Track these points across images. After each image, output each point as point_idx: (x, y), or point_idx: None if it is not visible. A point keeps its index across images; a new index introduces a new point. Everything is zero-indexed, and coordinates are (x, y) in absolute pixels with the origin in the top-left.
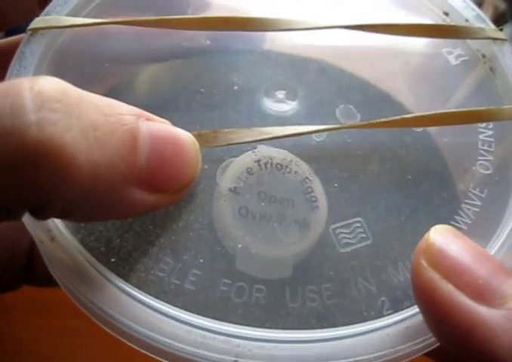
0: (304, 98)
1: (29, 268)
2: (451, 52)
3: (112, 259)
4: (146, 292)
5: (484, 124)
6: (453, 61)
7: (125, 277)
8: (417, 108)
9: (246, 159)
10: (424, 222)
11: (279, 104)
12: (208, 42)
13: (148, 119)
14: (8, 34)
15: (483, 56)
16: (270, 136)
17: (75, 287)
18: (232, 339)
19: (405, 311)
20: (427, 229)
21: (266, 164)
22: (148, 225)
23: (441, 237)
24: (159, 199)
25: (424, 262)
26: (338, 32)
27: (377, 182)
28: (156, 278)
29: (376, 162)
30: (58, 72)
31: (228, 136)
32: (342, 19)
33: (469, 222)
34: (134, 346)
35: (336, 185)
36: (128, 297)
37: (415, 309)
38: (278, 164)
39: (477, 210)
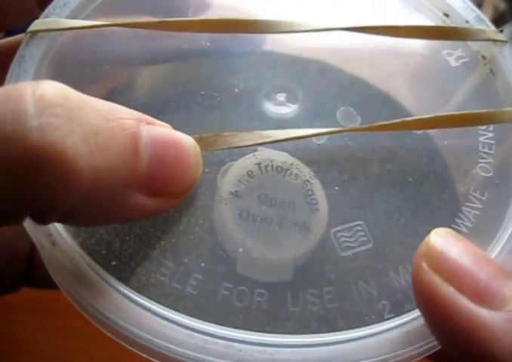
0: (305, 100)
1: (29, 271)
2: (452, 54)
3: (113, 263)
4: (147, 297)
5: (484, 127)
6: (453, 63)
7: (126, 281)
8: (417, 110)
9: (247, 162)
10: (425, 225)
11: (280, 107)
12: (208, 44)
13: (149, 123)
14: (7, 34)
15: (483, 57)
16: (271, 139)
17: (76, 291)
18: (233, 344)
19: (407, 314)
20: (428, 232)
21: (266, 166)
22: (148, 228)
23: (442, 240)
24: (160, 203)
25: (424, 265)
26: (338, 34)
27: (377, 184)
28: (157, 282)
29: (377, 165)
30: (58, 74)
31: (229, 140)
32: (342, 20)
33: (469, 225)
34: (135, 350)
35: (337, 188)
36: (128, 301)
37: (416, 313)
38: (278, 166)
39: (478, 212)
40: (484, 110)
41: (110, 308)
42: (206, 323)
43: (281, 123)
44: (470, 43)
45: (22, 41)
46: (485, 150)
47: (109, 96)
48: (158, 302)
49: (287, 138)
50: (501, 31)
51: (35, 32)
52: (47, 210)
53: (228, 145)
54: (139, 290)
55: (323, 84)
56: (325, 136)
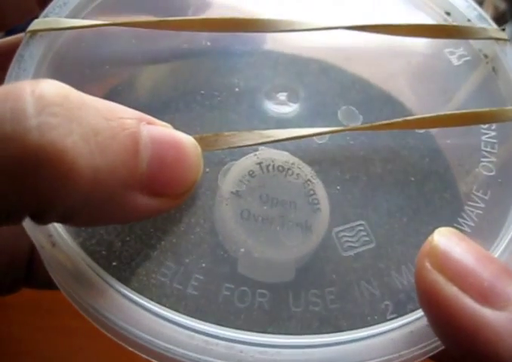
0: (306, 99)
1: (29, 272)
2: (454, 52)
3: (114, 263)
4: (147, 297)
5: (487, 125)
6: (455, 61)
7: (127, 282)
8: (419, 108)
9: (248, 162)
10: (427, 224)
11: (281, 106)
12: (209, 43)
13: (149, 123)
14: (7, 34)
15: (485, 56)
16: (272, 139)
17: (76, 292)
18: (235, 345)
19: (409, 315)
20: (431, 232)
21: (268, 166)
22: (149, 228)
23: (445, 239)
24: (161, 203)
25: (428, 265)
26: (339, 33)
27: (379, 184)
28: (158, 282)
29: (378, 164)
30: (58, 74)
31: (229, 140)
32: (343, 19)
33: (472, 224)
34: (135, 351)
35: (338, 187)
36: (129, 302)
37: (419, 313)
38: (280, 166)
39: (480, 212)
40: (486, 109)
41: (111, 308)
42: (207, 323)
43: (282, 122)
44: (472, 41)
45: (21, 40)
46: (488, 149)
47: (109, 96)
48: (159, 302)
49: (288, 137)
50: (503, 29)
51: (34, 32)
52: (46, 210)
53: (229, 144)
54: (139, 291)
55: (324, 83)
56: (327, 136)
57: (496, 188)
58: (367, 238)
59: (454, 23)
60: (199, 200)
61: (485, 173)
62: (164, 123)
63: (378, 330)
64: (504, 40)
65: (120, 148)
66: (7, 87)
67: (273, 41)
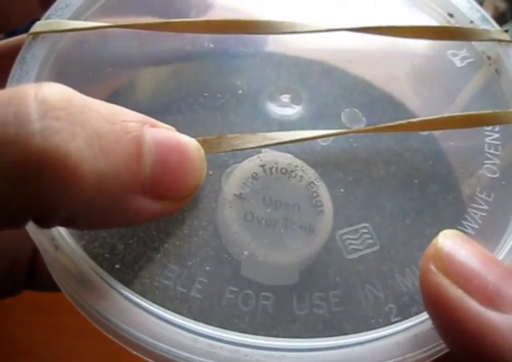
0: (309, 101)
1: (31, 275)
2: (456, 54)
3: (117, 266)
4: (151, 300)
5: (490, 127)
6: (458, 63)
7: (130, 285)
8: (422, 110)
9: (251, 164)
10: (431, 226)
11: (284, 108)
12: (212, 45)
13: (153, 126)
14: (8, 35)
15: (488, 58)
16: (275, 141)
17: (80, 295)
18: (239, 348)
19: (414, 318)
20: (435, 234)
21: (271, 168)
22: (152, 230)
23: (449, 241)
24: (164, 207)
25: (432, 268)
26: (342, 34)
27: (383, 186)
28: (161, 285)
29: (382, 166)
30: (60, 76)
31: (232, 142)
32: (345, 21)
33: (476, 226)
34: (138, 354)
35: (342, 189)
36: (132, 305)
37: (424, 316)
38: (283, 168)
39: (484, 214)
40: (490, 111)
41: (114, 311)
42: (211, 327)
43: (285, 124)
44: (474, 43)
45: (23, 41)
46: (491, 151)
47: (112, 98)
48: (163, 305)
49: (292, 140)
50: (506, 30)
51: (36, 34)
52: (49, 215)
53: (232, 147)
54: (143, 294)
55: (327, 85)
56: (330, 138)
57: (500, 190)
58: (371, 241)
59: (457, 25)
60: (202, 203)
61: (488, 175)
62: (167, 126)
63: (382, 333)
64: (507, 41)
65: (124, 153)
66: (10, 90)
67: (276, 43)
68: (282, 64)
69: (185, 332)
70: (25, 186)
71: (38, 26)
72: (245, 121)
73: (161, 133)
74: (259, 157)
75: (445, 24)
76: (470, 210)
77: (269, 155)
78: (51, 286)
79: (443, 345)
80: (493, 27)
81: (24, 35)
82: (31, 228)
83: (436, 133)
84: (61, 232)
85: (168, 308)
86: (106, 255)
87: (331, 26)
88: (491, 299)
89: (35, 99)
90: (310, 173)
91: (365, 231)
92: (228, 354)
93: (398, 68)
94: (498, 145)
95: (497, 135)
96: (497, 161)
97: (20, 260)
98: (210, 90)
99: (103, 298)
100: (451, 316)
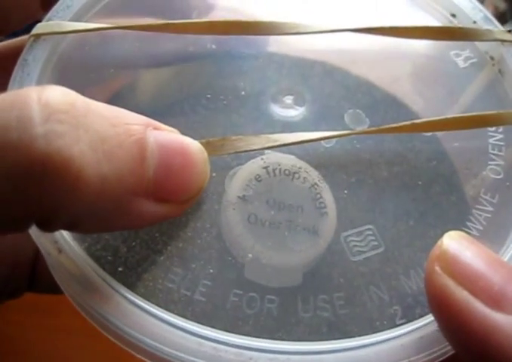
0: (312, 103)
1: (32, 277)
2: (460, 54)
3: (120, 269)
4: (154, 303)
5: (494, 128)
6: (461, 63)
7: (133, 288)
8: (425, 111)
9: (254, 166)
10: (436, 228)
11: (287, 109)
12: (214, 46)
13: (156, 128)
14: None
15: (492, 58)
16: (278, 143)
17: (83, 298)
18: (244, 351)
19: (419, 320)
20: (439, 235)
21: (274, 170)
22: (155, 233)
23: (455, 243)
24: (167, 209)
25: (438, 269)
26: (344, 35)
27: (387, 187)
28: (165, 288)
29: (385, 167)
30: (62, 77)
31: (236, 144)
32: (348, 22)
33: (481, 228)
34: (142, 358)
35: (346, 191)
36: (136, 308)
37: (429, 318)
38: (286, 170)
39: (489, 215)
40: (493, 111)
41: (117, 314)
42: (216, 330)
43: (288, 126)
44: (477, 43)
45: (24, 43)
46: (495, 152)
47: (114, 99)
48: (167, 308)
49: (295, 141)
50: (509, 31)
51: (38, 35)
52: (52, 219)
53: (235, 149)
54: (146, 297)
55: (330, 86)
56: (334, 139)
57: (504, 192)
58: (376, 243)
59: (460, 25)
60: (206, 205)
61: (492, 176)
62: (171, 128)
63: (388, 336)
64: (510, 42)
65: (127, 156)
66: (13, 94)
67: (278, 44)
68: (285, 65)
69: (189, 336)
70: (28, 190)
71: (39, 28)
72: (247, 122)
73: (164, 135)
74: (262, 158)
75: (448, 24)
76: (474, 211)
77: (273, 157)
78: (53, 289)
79: (449, 347)
80: (496, 27)
81: (25, 37)
82: (34, 231)
83: (440, 134)
84: (64, 235)
85: (172, 311)
86: (109, 258)
87: (333, 26)
88: (496, 301)
89: (38, 102)
90: (314, 175)
91: (370, 232)
92: (233, 357)
93: (401, 68)
94: (501, 146)
95: (501, 136)
96: (501, 162)
97: (22, 263)
98: (212, 92)
99: (106, 301)
100: (457, 318)
